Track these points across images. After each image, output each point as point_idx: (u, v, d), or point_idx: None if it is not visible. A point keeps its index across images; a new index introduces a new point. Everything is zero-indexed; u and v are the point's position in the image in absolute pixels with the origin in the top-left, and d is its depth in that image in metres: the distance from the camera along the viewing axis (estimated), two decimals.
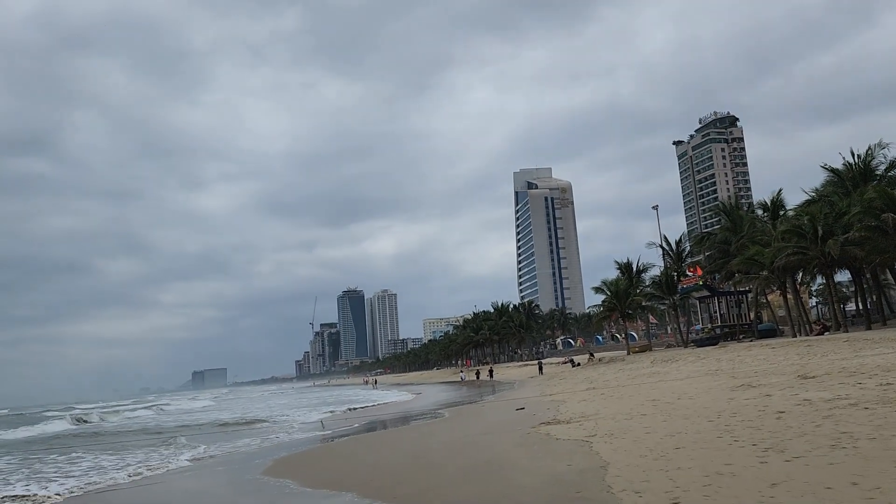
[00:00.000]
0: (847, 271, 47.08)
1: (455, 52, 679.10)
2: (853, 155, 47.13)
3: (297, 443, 21.52)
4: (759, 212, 57.55)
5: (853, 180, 45.85)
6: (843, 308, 54.49)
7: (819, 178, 52.04)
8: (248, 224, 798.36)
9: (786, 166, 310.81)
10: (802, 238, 37.13)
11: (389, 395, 62.45)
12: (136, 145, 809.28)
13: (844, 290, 71.04)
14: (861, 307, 43.78)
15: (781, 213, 54.22)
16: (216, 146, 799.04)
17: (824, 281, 62.30)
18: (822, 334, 37.83)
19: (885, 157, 45.85)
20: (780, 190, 55.90)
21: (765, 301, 63.53)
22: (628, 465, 9.98)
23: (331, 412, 37.94)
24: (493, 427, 18.76)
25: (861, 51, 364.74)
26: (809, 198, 49.54)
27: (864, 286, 43.66)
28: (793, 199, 56.24)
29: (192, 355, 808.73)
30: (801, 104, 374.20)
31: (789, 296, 70.84)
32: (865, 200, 33.91)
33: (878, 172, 46.18)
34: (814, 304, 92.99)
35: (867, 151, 46.55)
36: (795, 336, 40.73)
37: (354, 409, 40.78)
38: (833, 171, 47.24)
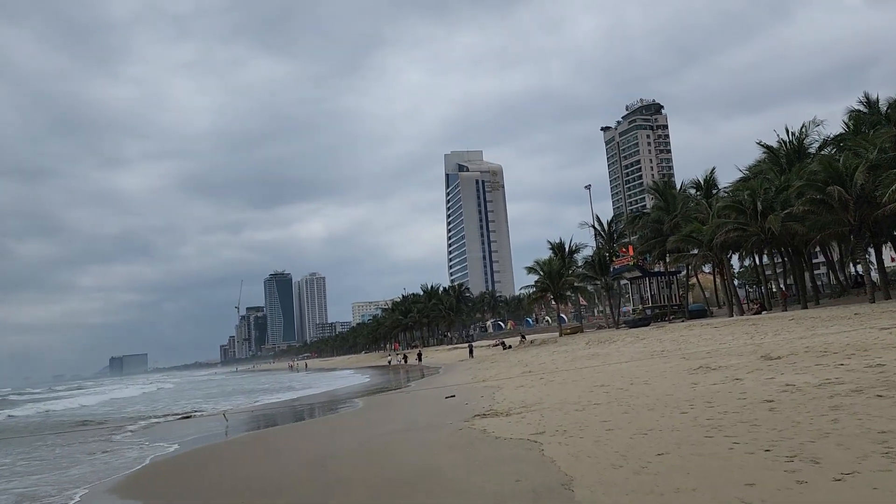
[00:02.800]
0: (775, 252, 46.74)
1: (387, 33, 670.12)
2: (787, 132, 46.64)
3: (187, 442, 17.98)
4: (692, 191, 56.84)
5: (787, 158, 45.26)
6: (770, 288, 54.38)
7: (739, 166, 51.76)
8: (171, 205, 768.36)
9: (707, 154, 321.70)
10: (742, 214, 35.82)
11: (310, 380, 58.70)
12: (49, 120, 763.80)
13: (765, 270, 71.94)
14: (797, 286, 43.21)
15: (714, 191, 53.58)
16: (137, 123, 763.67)
17: (754, 260, 62.75)
18: (759, 314, 36.79)
19: (818, 135, 45.52)
20: (714, 168, 55.32)
21: (696, 282, 63.25)
22: (601, 482, 7.22)
23: (261, 401, 34.25)
24: (418, 421, 15.83)
25: (778, 45, 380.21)
26: (743, 175, 48.88)
27: (802, 265, 43.11)
28: (720, 181, 55.60)
29: (110, 341, 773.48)
30: (722, 95, 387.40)
31: (716, 276, 71.34)
32: (809, 173, 32.74)
33: (810, 151, 45.80)
34: (738, 284, 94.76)
35: (801, 129, 46.11)
36: (732, 316, 39.65)
37: (268, 397, 37.19)
38: (768, 148, 46.58)
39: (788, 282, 43.69)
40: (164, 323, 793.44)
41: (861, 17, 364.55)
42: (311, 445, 14.13)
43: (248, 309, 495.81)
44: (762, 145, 46.75)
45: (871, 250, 37.73)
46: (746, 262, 63.63)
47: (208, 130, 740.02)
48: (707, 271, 71.56)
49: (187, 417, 25.73)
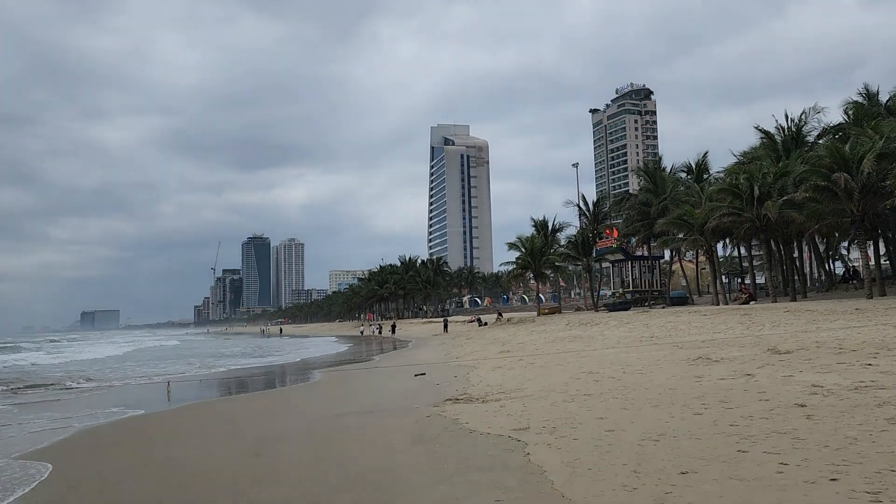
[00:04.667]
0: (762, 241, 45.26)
1: (382, 0, 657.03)
2: (787, 118, 44.87)
3: (106, 415, 15.89)
4: (683, 174, 55.17)
5: (784, 145, 43.60)
6: (751, 279, 53.15)
7: (734, 150, 50.07)
8: (151, 161, 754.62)
9: (692, 144, 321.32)
10: (737, 198, 34.10)
11: (280, 346, 56.57)
12: (28, 66, 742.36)
13: (743, 262, 70.86)
14: (785, 277, 41.79)
15: (706, 176, 51.93)
16: (121, 76, 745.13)
17: (739, 249, 61.45)
18: (748, 303, 35.32)
19: (818, 123, 43.85)
20: (706, 153, 53.67)
21: (678, 268, 61.96)
22: None
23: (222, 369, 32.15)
24: (381, 402, 13.91)
25: (769, 39, 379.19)
26: (738, 161, 47.19)
27: (794, 255, 41.67)
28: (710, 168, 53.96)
29: (83, 295, 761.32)
30: (711, 86, 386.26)
31: (698, 263, 70.17)
32: (813, 158, 31.03)
33: (808, 139, 44.20)
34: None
35: (801, 116, 44.36)
36: (718, 304, 38.16)
37: (227, 363, 35.13)
38: (765, 133, 44.79)
39: (772, 273, 42.24)
40: (138, 280, 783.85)
41: (853, 17, 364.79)
42: (251, 424, 12.12)
43: (224, 271, 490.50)
44: (760, 130, 44.94)
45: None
46: (729, 251, 62.43)
47: (194, 88, 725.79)
48: (688, 259, 70.50)
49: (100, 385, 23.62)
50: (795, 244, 41.09)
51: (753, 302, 35.75)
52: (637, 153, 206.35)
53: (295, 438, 10.33)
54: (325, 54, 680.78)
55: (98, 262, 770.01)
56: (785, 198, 32.53)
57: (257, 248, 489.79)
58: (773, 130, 45.59)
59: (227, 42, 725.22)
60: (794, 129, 43.95)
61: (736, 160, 47.56)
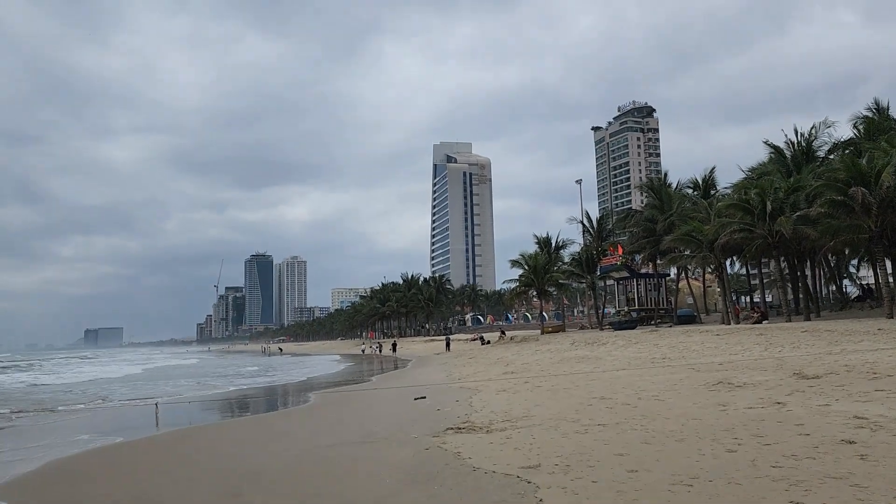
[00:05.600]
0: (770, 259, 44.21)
1: (385, 19, 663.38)
2: (796, 133, 44.05)
3: (81, 442, 14.85)
4: (689, 191, 54.23)
5: (795, 160, 42.72)
6: (759, 299, 52.06)
7: (741, 166, 49.25)
8: (156, 179, 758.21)
9: (694, 161, 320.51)
10: (748, 214, 33.09)
11: (278, 365, 55.35)
12: (37, 86, 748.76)
13: (745, 280, 69.76)
14: (796, 296, 40.62)
15: (713, 192, 50.99)
16: (127, 95, 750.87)
17: (747, 267, 60.33)
18: (760, 322, 34.19)
19: (829, 137, 43.00)
20: (713, 168, 52.73)
21: (685, 285, 60.81)
22: None
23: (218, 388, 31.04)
24: (376, 430, 12.82)
25: (772, 56, 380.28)
26: (746, 176, 46.28)
27: (805, 273, 40.56)
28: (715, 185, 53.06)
29: (86, 313, 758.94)
30: (713, 103, 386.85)
31: (698, 281, 68.94)
32: (828, 172, 30.08)
33: (819, 154, 43.32)
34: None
35: (811, 130, 43.55)
36: (729, 323, 37.04)
37: (220, 383, 34.03)
38: (775, 148, 43.92)
39: (784, 292, 41.09)
40: (141, 297, 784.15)
41: (856, 34, 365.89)
42: (235, 455, 11.02)
43: (227, 288, 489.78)
44: (769, 145, 44.09)
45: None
46: (737, 269, 61.37)
47: (198, 106, 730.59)
48: (694, 277, 69.36)
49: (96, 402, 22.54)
50: (815, 261, 39.97)
51: (766, 321, 34.62)
52: (640, 170, 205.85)
53: (279, 475, 9.26)
54: (329, 73, 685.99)
55: (102, 279, 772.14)
56: (798, 213, 31.52)
57: (260, 265, 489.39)
58: (782, 145, 44.79)
59: (232, 61, 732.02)
60: (804, 144, 43.11)
61: (744, 176, 46.70)
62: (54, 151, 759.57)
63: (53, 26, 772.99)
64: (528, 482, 7.44)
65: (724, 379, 14.79)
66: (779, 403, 11.10)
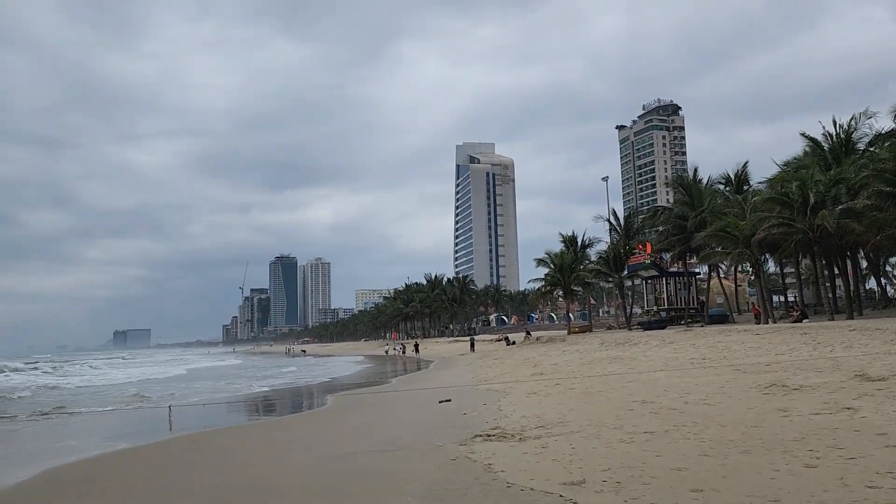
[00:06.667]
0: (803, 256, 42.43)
1: (408, 22, 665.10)
2: (835, 124, 42.17)
3: (79, 449, 14.05)
4: (720, 186, 52.49)
5: (833, 152, 40.90)
6: (793, 298, 50.20)
7: (757, 171, 47.51)
8: (183, 183, 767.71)
9: (722, 159, 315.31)
10: (787, 208, 31.52)
11: (300, 366, 54.69)
12: (67, 92, 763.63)
13: (776, 278, 67.56)
14: (845, 293, 38.71)
15: (746, 187, 49.23)
16: (155, 100, 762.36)
17: (780, 265, 58.38)
18: (800, 321, 32.59)
19: (870, 129, 41.09)
20: (746, 162, 50.88)
21: (718, 285, 58.99)
22: None
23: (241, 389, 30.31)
24: (398, 436, 11.80)
25: (798, 55, 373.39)
26: (781, 170, 44.52)
27: (847, 270, 38.75)
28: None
29: (115, 315, 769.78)
30: (739, 102, 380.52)
31: (728, 280, 66.95)
32: (875, 162, 28.46)
33: (858, 146, 41.45)
34: (753, 292, 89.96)
35: (850, 122, 41.65)
36: (766, 322, 35.43)
37: (237, 385, 33.31)
38: (812, 140, 42.09)
39: (824, 289, 39.30)
40: (168, 299, 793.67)
41: (886, 29, 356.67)
42: (242, 466, 10.06)
43: (252, 290, 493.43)
44: (806, 137, 42.25)
45: None
46: (770, 268, 59.36)
47: (224, 110, 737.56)
48: (724, 276, 67.33)
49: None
50: (849, 258, 38.21)
51: (806, 320, 33.00)
52: (665, 169, 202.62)
53: (290, 490, 8.27)
54: (352, 76, 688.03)
55: (130, 282, 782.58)
56: (841, 207, 29.92)
57: (285, 267, 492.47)
58: (819, 138, 42.96)
59: (256, 65, 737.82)
60: (843, 136, 41.27)
61: (778, 170, 44.92)
62: (83, 156, 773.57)
63: (82, 32, 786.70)
64: (574, 502, 6.36)
65: (777, 381, 13.52)
66: (848, 409, 9.87)
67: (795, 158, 45.35)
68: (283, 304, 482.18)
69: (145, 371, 56.89)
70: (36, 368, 66.68)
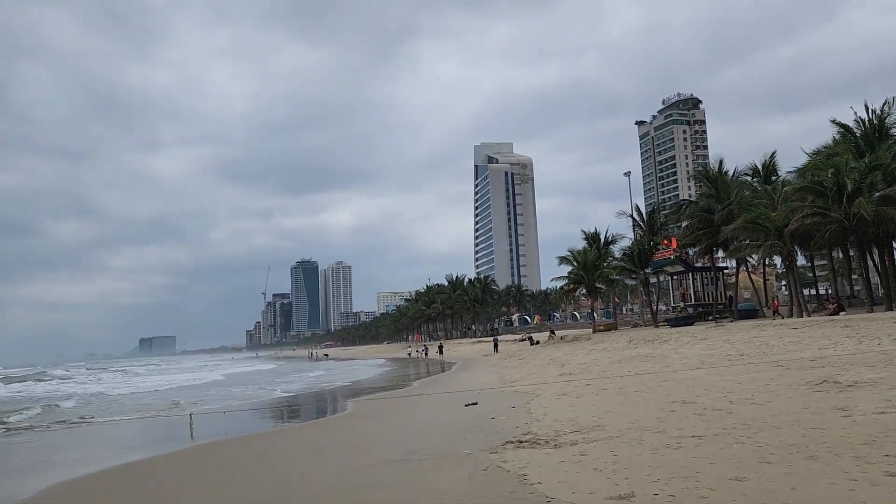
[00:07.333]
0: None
1: (423, 22, 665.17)
2: (867, 110, 40.75)
3: (91, 460, 13.52)
4: (747, 178, 51.14)
5: (866, 139, 39.49)
6: (825, 290, 48.71)
7: (805, 148, 46.12)
8: (204, 190, 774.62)
9: (744, 153, 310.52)
10: (821, 197, 30.34)
11: (323, 370, 54.30)
12: (88, 102, 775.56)
13: (805, 271, 65.91)
14: (886, 284, 37.23)
15: (774, 178, 47.88)
16: (174, 108, 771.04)
17: (811, 258, 56.76)
18: (836, 314, 31.37)
19: None
20: (774, 152, 49.56)
21: (747, 279, 57.55)
22: None
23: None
24: (422, 443, 11.10)
25: (820, 44, 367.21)
26: (811, 159, 43.15)
27: (885, 261, 37.29)
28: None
29: (140, 322, 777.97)
30: (761, 94, 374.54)
31: (756, 274, 65.25)
32: None
33: (892, 132, 39.98)
34: (780, 286, 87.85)
35: (883, 107, 40.21)
36: (801, 317, 34.18)
37: (257, 392, 32.88)
38: (843, 127, 40.69)
39: (863, 280, 37.91)
40: (192, 306, 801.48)
41: None
42: (259, 482, 9.42)
43: (274, 295, 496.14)
44: (837, 124, 40.84)
45: None
46: (799, 260, 57.74)
47: (243, 116, 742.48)
48: (751, 270, 65.73)
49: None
50: (886, 248, 36.77)
51: (843, 313, 31.77)
52: (686, 163, 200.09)
53: None
54: (369, 78, 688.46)
55: (154, 289, 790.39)
56: (878, 194, 28.68)
57: (306, 271, 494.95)
58: (851, 124, 41.56)
59: (274, 70, 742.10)
60: (875, 122, 39.86)
61: (808, 159, 43.56)
62: (105, 166, 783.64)
63: (101, 43, 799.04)
64: None
65: (828, 377, 12.61)
66: None
67: (825, 147, 43.96)
68: (305, 308, 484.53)
69: (182, 378, 56.53)
70: (72, 377, 67.25)
